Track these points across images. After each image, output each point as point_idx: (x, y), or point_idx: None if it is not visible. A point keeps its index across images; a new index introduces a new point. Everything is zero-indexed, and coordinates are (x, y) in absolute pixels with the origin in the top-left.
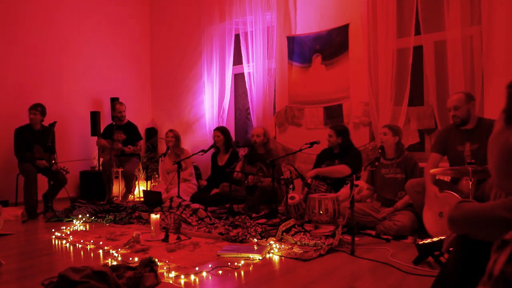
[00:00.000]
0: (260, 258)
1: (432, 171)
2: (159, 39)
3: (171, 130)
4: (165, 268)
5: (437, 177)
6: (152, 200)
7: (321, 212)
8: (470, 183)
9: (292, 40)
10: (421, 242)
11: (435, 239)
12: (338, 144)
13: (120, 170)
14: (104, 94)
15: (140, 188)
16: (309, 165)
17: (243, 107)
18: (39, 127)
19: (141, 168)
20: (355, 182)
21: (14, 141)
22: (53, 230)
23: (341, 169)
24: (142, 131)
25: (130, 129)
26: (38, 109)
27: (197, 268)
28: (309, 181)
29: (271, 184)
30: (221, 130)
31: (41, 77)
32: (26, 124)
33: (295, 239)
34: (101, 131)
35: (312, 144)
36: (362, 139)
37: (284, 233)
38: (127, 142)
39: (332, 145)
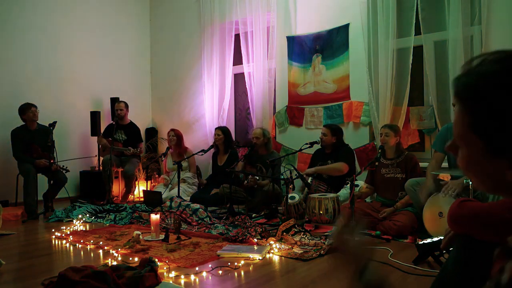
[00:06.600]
0: (260, 258)
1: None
2: (159, 39)
3: (172, 130)
4: (165, 268)
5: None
6: (152, 200)
7: (321, 212)
8: (470, 183)
9: (292, 40)
10: (421, 242)
11: (435, 239)
12: (331, 144)
13: (120, 170)
14: (104, 94)
15: (140, 188)
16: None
17: (243, 107)
18: (35, 127)
19: (141, 168)
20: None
21: (11, 142)
22: (53, 230)
23: (340, 167)
24: (142, 131)
25: (131, 130)
26: (36, 107)
27: (197, 268)
28: (305, 176)
29: (271, 185)
30: (222, 130)
31: (40, 77)
32: (22, 125)
33: (295, 239)
34: (101, 130)
35: (312, 144)
36: (362, 139)
37: (284, 233)
38: (127, 142)
39: (326, 144)
